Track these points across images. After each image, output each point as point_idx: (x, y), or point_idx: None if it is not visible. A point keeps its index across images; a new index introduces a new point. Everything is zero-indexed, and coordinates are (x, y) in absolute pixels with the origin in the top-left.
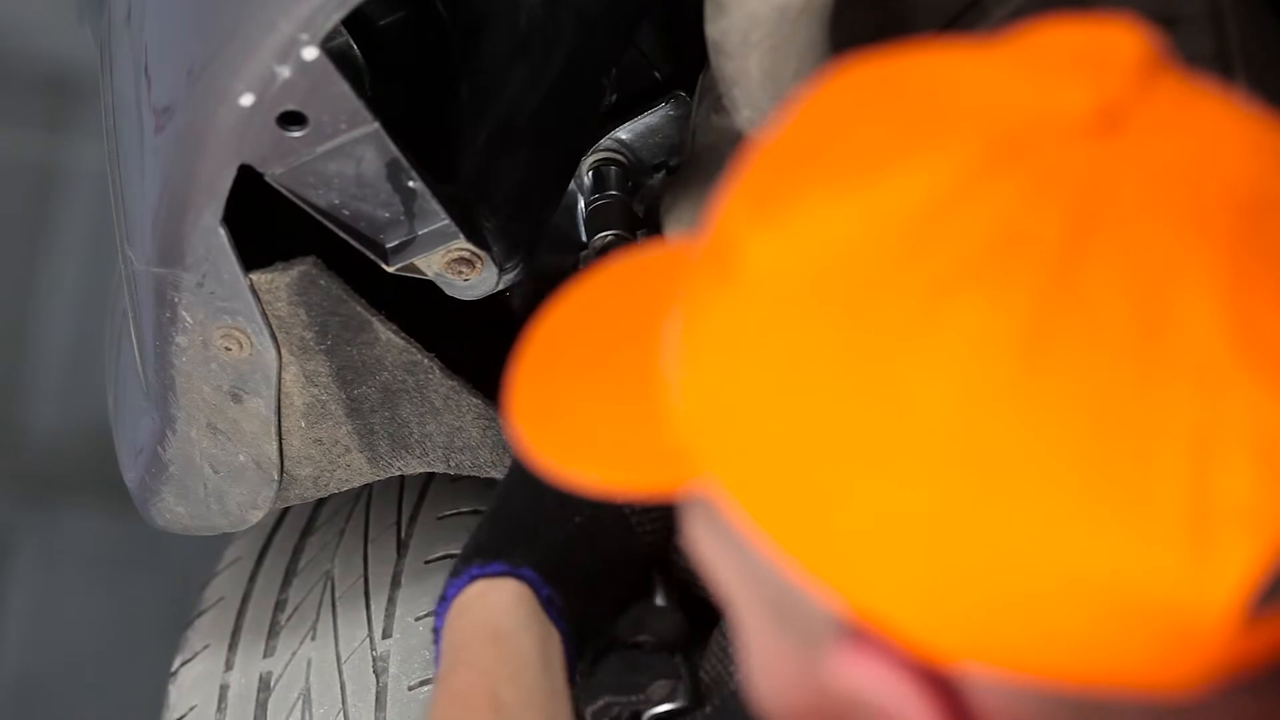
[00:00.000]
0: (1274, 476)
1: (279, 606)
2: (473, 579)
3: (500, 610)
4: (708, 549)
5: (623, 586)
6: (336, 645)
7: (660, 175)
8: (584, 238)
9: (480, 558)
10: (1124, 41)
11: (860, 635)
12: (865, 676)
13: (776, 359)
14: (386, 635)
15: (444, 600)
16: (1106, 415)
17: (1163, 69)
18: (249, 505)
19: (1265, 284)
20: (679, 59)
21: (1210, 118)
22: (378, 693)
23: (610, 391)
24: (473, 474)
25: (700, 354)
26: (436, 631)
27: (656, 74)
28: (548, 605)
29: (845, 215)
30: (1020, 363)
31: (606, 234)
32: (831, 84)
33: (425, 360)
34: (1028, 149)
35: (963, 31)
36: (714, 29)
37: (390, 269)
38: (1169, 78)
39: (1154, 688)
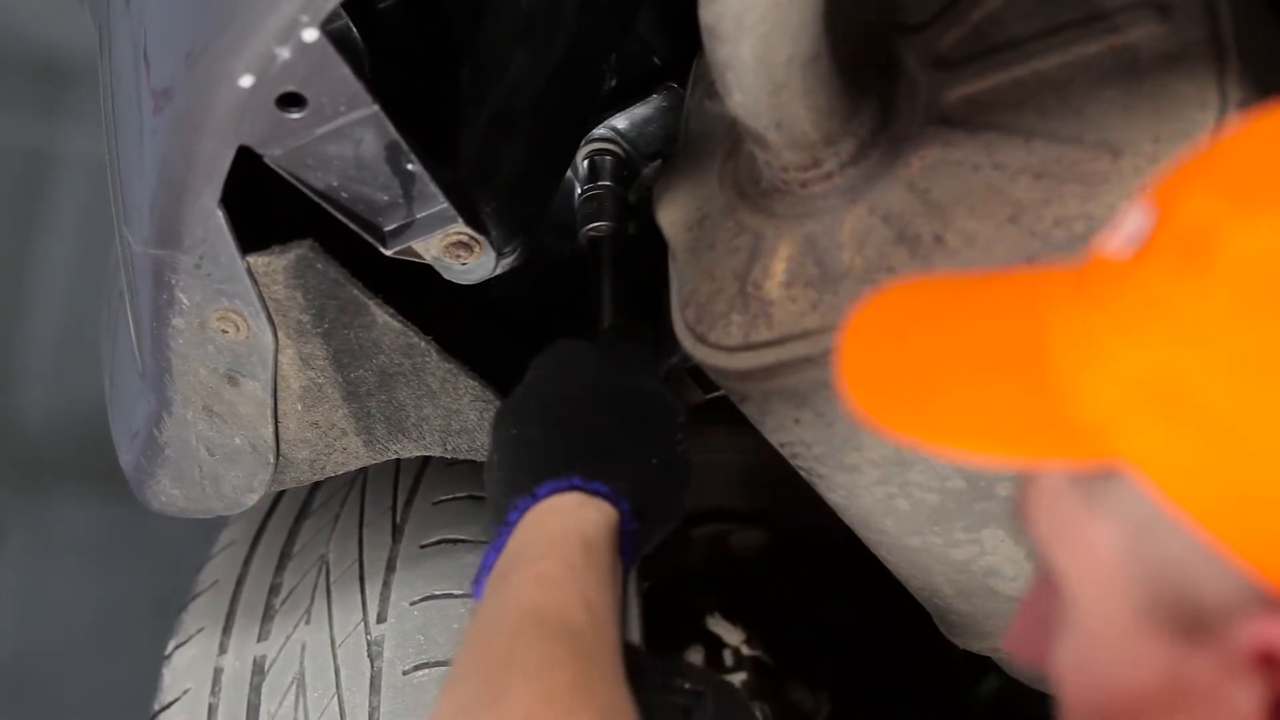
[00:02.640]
0: None
1: (273, 590)
2: (573, 488)
3: (593, 525)
4: (1068, 523)
5: (676, 520)
6: (331, 629)
7: (656, 164)
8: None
9: (584, 470)
10: None
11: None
12: None
13: (1244, 344)
14: (381, 620)
15: (532, 495)
16: None
17: None
18: (244, 488)
19: None
20: (678, 45)
21: None
22: (372, 677)
23: (987, 376)
24: (469, 457)
25: (1140, 339)
26: (510, 523)
27: (656, 60)
28: (626, 540)
29: None
30: None
31: (599, 224)
32: None
33: (422, 343)
34: None
35: (956, 19)
36: (708, 13)
37: (388, 252)
38: None
39: None
